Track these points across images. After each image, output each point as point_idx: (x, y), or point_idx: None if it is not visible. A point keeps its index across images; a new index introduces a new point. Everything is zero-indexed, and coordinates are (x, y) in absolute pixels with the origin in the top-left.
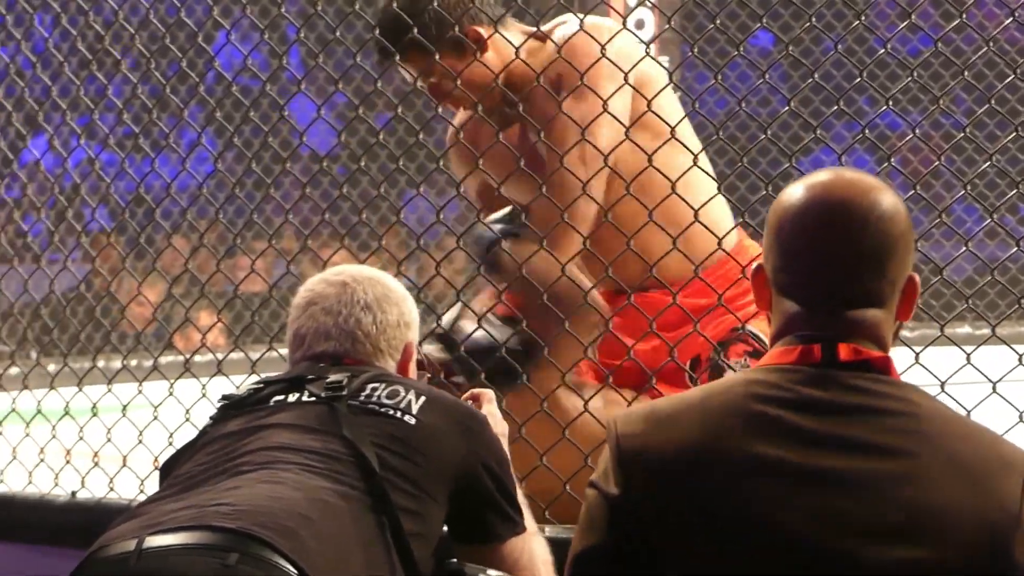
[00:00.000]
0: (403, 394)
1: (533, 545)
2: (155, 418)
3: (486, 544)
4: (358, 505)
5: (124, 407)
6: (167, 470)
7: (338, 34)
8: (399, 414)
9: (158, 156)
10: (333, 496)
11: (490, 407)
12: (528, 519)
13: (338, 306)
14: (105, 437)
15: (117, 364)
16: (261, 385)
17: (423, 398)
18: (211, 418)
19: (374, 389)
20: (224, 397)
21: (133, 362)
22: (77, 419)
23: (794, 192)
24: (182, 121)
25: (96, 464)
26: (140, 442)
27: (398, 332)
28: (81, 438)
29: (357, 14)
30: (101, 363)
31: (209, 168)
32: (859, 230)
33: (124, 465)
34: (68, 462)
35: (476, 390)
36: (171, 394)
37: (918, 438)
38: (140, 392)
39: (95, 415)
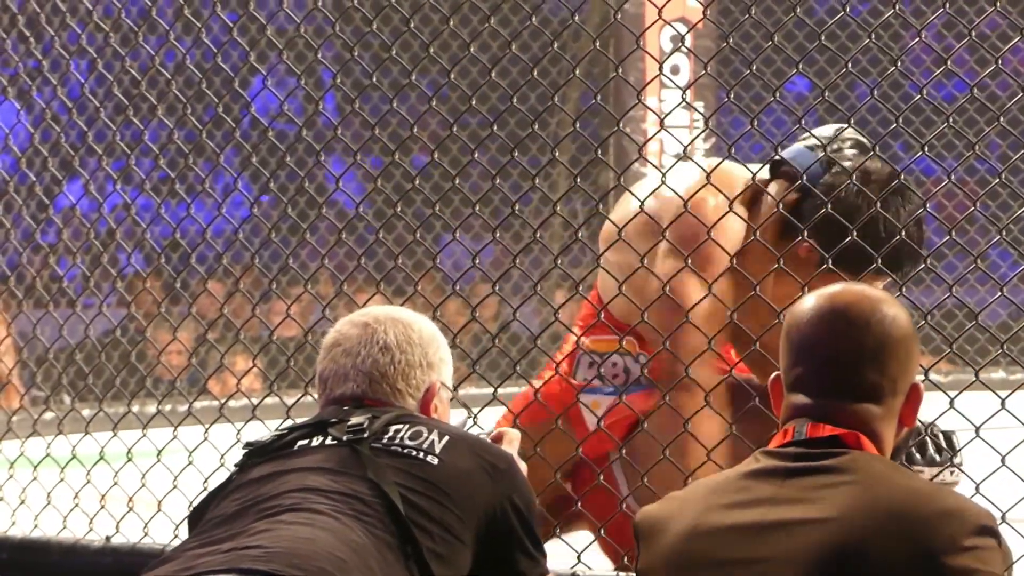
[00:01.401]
0: (426, 435)
1: None
2: (190, 463)
3: None
4: (386, 546)
5: (159, 452)
6: (196, 516)
7: (374, 79)
8: (422, 455)
9: (193, 200)
10: (363, 537)
11: (512, 447)
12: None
13: (357, 347)
14: (140, 482)
15: (152, 409)
16: (285, 431)
17: (446, 438)
18: (236, 465)
19: (397, 431)
20: (248, 444)
21: (168, 407)
22: (112, 464)
23: (806, 301)
24: (217, 166)
25: (131, 509)
26: (175, 487)
27: (418, 372)
28: (116, 483)
29: (393, 59)
30: (136, 408)
31: (245, 213)
32: (861, 328)
33: (159, 510)
34: (103, 507)
35: (501, 428)
36: (206, 439)
37: (852, 494)
38: (175, 437)
39: (130, 460)
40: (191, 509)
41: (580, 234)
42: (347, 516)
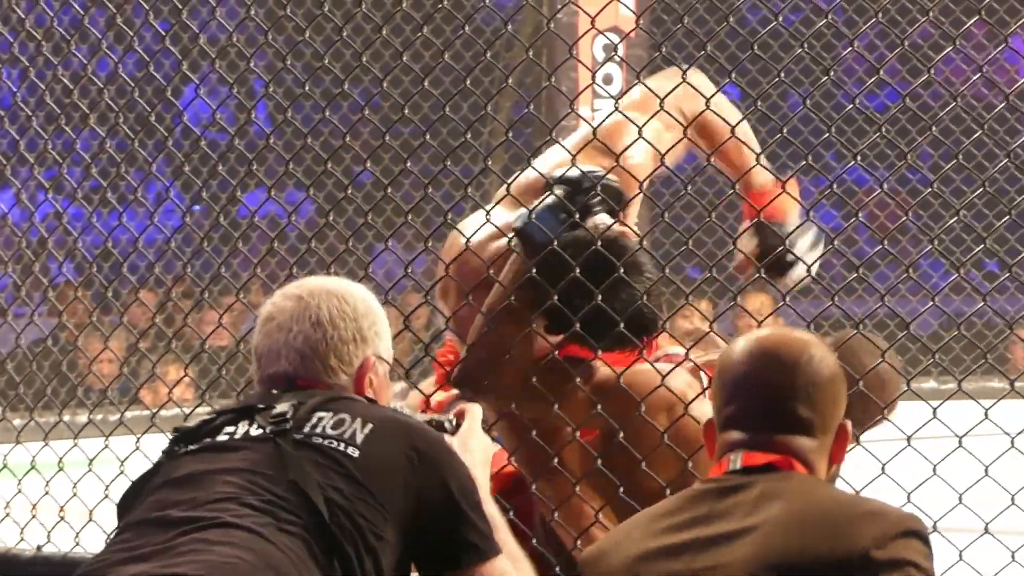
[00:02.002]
0: (348, 423)
1: (505, 569)
2: (122, 472)
3: (451, 571)
4: (313, 560)
5: (91, 461)
6: (125, 506)
7: (306, 89)
8: (343, 446)
9: (125, 210)
10: (288, 552)
11: (472, 423)
12: (511, 545)
13: (290, 322)
14: (71, 491)
15: (83, 418)
16: (213, 415)
17: (370, 426)
18: (163, 452)
19: (320, 419)
20: (176, 430)
21: (99, 416)
22: (43, 473)
23: (736, 344)
24: (149, 175)
25: (62, 518)
26: (107, 496)
27: (351, 348)
28: (47, 492)
29: (326, 68)
30: (67, 417)
31: (176, 222)
32: (791, 367)
33: (90, 519)
34: (34, 516)
35: (462, 404)
36: (138, 448)
37: (785, 504)
38: (107, 446)
39: (61, 469)
40: (121, 498)
41: (512, 244)
42: (272, 528)
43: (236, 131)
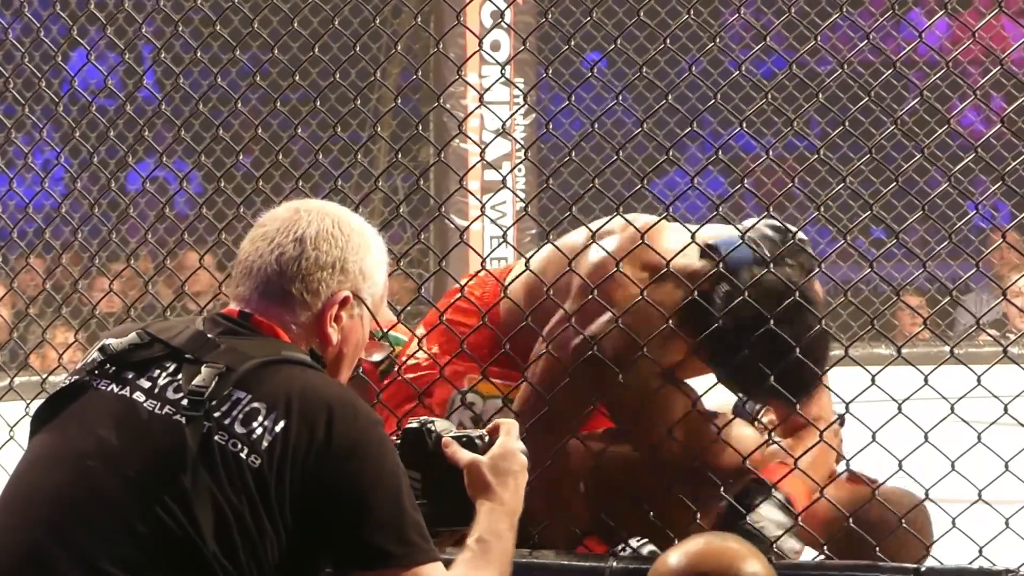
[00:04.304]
0: (262, 417)
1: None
2: (11, 438)
3: (359, 572)
4: None
5: None
6: (37, 421)
7: (196, 54)
8: (244, 452)
9: (15, 176)
10: None
11: (507, 442)
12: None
13: (275, 234)
14: None
15: None
16: (147, 340)
17: (281, 423)
18: (88, 371)
19: (235, 403)
20: (102, 349)
21: None
22: None
23: (670, 557)
24: (38, 140)
25: None
26: None
27: (324, 276)
28: None
29: (214, 34)
30: None
31: (65, 189)
32: None
33: None
34: None
35: (497, 420)
36: (27, 414)
37: None
38: None
39: None
40: (35, 412)
41: (401, 210)
42: (139, 565)
43: (125, 97)
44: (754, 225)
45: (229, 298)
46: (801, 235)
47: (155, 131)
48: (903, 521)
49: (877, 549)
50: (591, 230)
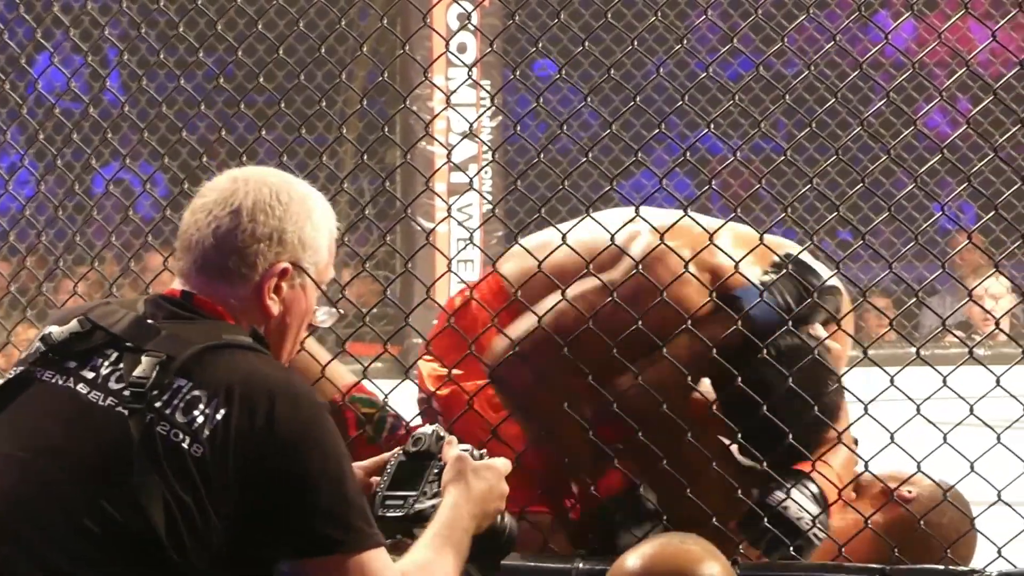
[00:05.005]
0: (202, 405)
1: (377, 568)
2: None
3: (298, 559)
4: None
5: None
6: None
7: (161, 56)
8: (186, 442)
9: None
10: None
11: (498, 463)
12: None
13: (212, 205)
14: None
15: None
16: (88, 328)
17: (223, 411)
18: (29, 363)
19: (177, 391)
20: (43, 339)
21: None
22: None
23: (628, 560)
24: (3, 143)
25: None
26: None
27: (262, 248)
28: None
29: (180, 37)
30: None
31: (30, 191)
32: None
33: None
34: None
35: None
36: None
37: None
38: None
39: None
40: None
41: (367, 212)
42: (93, 561)
43: (90, 99)
44: (783, 265)
45: (174, 273)
46: (829, 278)
47: (121, 134)
48: (959, 528)
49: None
50: (567, 241)
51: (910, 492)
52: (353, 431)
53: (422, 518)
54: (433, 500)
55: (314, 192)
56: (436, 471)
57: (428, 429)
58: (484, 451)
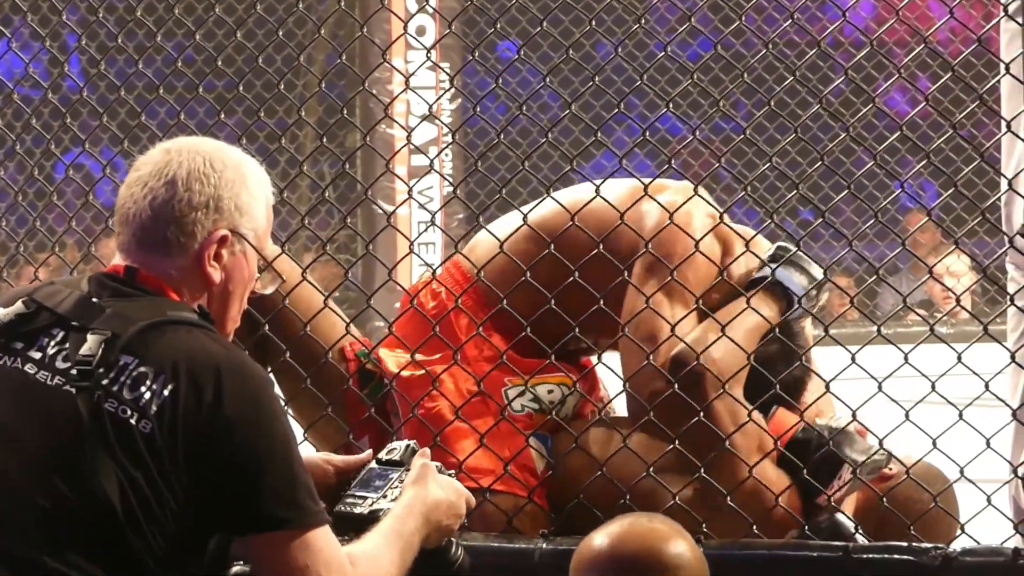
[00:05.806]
0: (149, 381)
1: (322, 547)
2: None
3: (246, 536)
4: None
5: None
6: None
7: (120, 41)
8: (134, 418)
9: None
10: None
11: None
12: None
13: (147, 177)
14: None
15: None
16: (33, 309)
17: (170, 386)
18: None
19: (123, 367)
20: None
21: None
22: None
23: (595, 538)
24: None
25: None
26: None
27: (199, 216)
28: None
29: (139, 21)
30: None
31: None
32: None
33: None
34: None
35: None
36: None
37: None
38: None
39: None
40: None
41: (327, 195)
42: (51, 543)
43: (49, 85)
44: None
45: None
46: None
47: (81, 120)
48: (937, 500)
49: (911, 529)
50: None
51: (890, 469)
52: (355, 383)
53: (376, 518)
54: (391, 504)
55: (248, 158)
56: (401, 480)
57: (403, 443)
58: (453, 472)
